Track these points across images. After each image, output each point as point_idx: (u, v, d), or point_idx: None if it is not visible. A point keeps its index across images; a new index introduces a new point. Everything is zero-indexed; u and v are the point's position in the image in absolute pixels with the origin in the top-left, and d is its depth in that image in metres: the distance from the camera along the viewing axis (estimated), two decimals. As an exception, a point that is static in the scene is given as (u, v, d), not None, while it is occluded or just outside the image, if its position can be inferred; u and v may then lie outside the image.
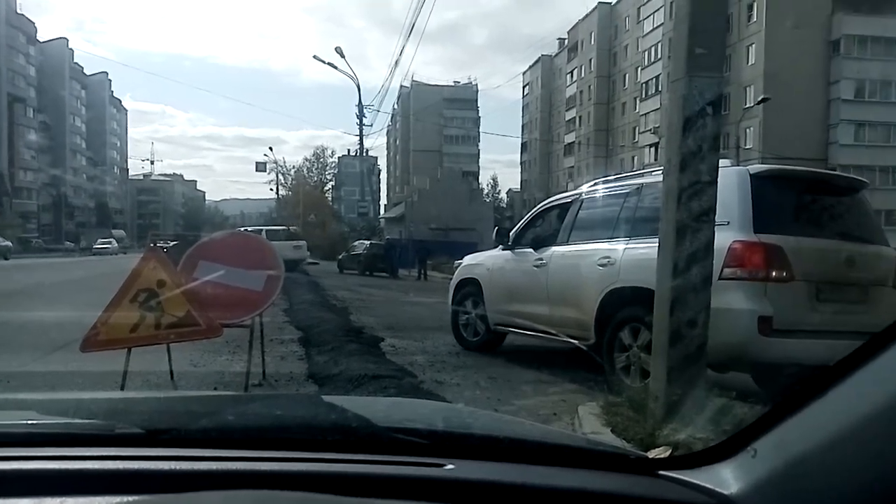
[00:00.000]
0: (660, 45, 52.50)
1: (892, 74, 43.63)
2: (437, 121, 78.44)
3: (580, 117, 68.63)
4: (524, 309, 6.29)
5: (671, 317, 3.36)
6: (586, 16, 66.99)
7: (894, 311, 4.49)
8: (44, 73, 76.59)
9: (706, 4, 3.47)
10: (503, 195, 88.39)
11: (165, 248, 6.97)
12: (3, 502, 0.77)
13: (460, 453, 0.96)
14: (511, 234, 7.08)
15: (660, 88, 51.83)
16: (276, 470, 0.88)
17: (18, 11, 72.01)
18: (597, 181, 6.42)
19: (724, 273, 4.23)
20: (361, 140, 36.26)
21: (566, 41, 73.11)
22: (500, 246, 7.12)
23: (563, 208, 6.42)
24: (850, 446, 0.71)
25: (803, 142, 40.23)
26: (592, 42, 65.85)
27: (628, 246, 5.14)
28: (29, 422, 1.04)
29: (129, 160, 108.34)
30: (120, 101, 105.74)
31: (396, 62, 39.80)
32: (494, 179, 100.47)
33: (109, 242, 57.21)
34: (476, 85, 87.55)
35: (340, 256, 33.31)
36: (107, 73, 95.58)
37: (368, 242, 31.58)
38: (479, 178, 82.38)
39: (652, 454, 1.21)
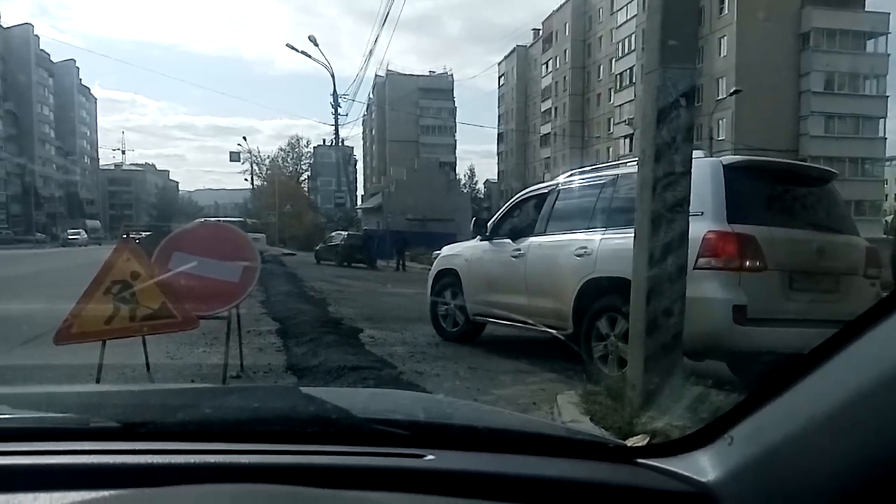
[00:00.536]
0: (633, 36, 52.75)
1: (860, 67, 44.44)
2: (412, 111, 78.12)
3: (556, 108, 68.83)
4: (503, 299, 6.32)
5: (647, 306, 3.39)
6: (560, 6, 67.06)
7: (866, 300, 4.59)
8: (8, 60, 74.81)
9: (681, -4, 3.49)
10: (480, 186, 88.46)
11: (138, 238, 6.86)
12: None
13: (440, 444, 0.96)
14: (489, 224, 7.09)
15: (634, 80, 52.17)
16: (255, 463, 0.87)
17: (-18, -3, 70.13)
18: (573, 172, 6.45)
19: (698, 263, 4.28)
20: (337, 130, 36.02)
21: (541, 32, 73.15)
22: (478, 237, 7.14)
23: (541, 199, 6.44)
24: (825, 433, 0.72)
25: (775, 133, 40.87)
26: (567, 33, 65.98)
27: (605, 236, 5.18)
28: (0, 416, 1.02)
29: (99, 150, 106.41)
30: (88, 90, 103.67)
31: (371, 51, 39.69)
32: (471, 170, 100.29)
33: (79, 233, 56.03)
34: (451, 75, 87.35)
35: (318, 247, 33.15)
36: (74, 61, 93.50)
37: (346, 233, 31.45)
38: (457, 168, 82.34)
39: (630, 442, 1.22)
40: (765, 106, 41.21)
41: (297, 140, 75.08)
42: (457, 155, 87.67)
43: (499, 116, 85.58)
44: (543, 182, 7.91)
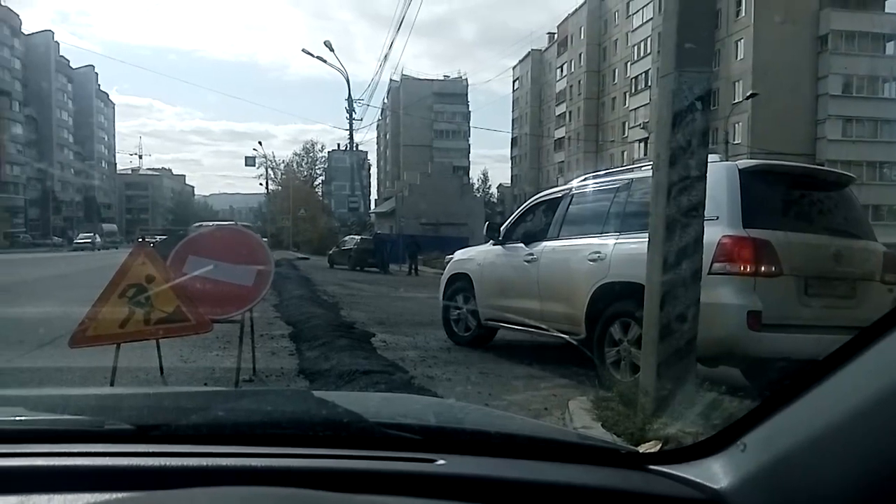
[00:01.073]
0: (649, 39, 52.60)
1: (878, 70, 43.97)
2: (426, 115, 78.24)
3: (570, 112, 68.69)
4: (515, 304, 6.30)
5: (661, 311, 3.37)
6: (576, 10, 67.00)
7: (882, 306, 4.53)
8: (29, 66, 75.82)
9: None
10: (493, 190, 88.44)
11: (154, 242, 6.92)
12: None
13: (452, 448, 0.96)
14: (502, 229, 7.08)
15: (649, 83, 51.98)
16: (267, 466, 0.88)
17: (2, 3, 71.20)
18: (587, 176, 6.43)
19: (713, 268, 4.25)
20: (351, 134, 36.19)
21: (556, 35, 73.10)
22: (491, 241, 7.13)
23: (554, 203, 6.42)
24: (839, 440, 0.71)
25: (791, 137, 40.53)
26: (582, 37, 65.88)
27: (618, 241, 5.15)
28: (17, 418, 1.03)
29: (116, 154, 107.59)
30: (107, 95, 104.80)
31: (386, 56, 39.79)
32: (485, 174, 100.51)
33: (91, 237, 54.70)
34: (466, 79, 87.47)
35: (331, 251, 33.27)
36: (93, 67, 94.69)
37: (359, 237, 31.54)
38: (470, 172, 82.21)
39: (642, 449, 1.21)
40: (782, 109, 40.88)
41: (312, 145, 75.53)
42: (470, 159, 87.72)
43: (513, 120, 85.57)
44: (557, 186, 7.90)
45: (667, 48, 3.56)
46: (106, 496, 0.77)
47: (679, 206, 3.37)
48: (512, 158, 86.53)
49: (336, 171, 76.15)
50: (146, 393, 1.80)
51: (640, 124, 54.66)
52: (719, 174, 4.40)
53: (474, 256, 7.49)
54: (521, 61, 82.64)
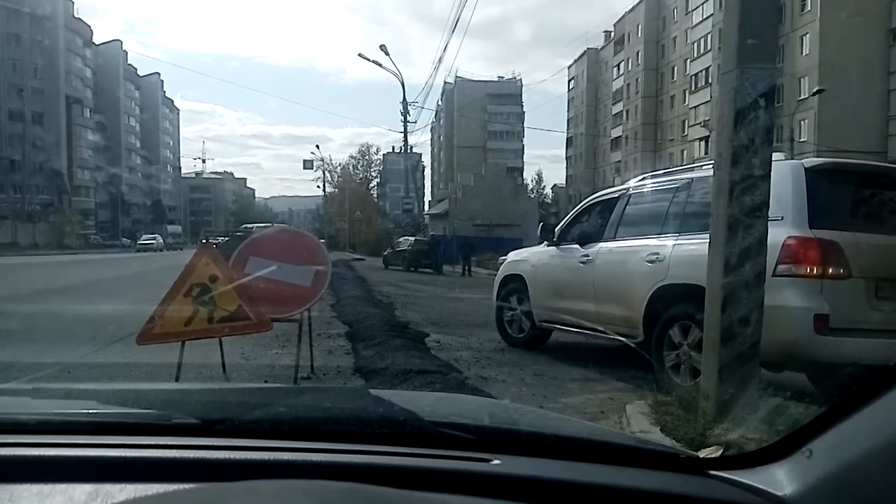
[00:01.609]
0: (709, 36, 51.27)
1: (958, 62, 41.66)
2: (481, 116, 78.23)
3: (627, 111, 67.55)
4: (570, 306, 6.24)
5: (723, 314, 3.28)
6: (633, 8, 65.81)
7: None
8: (99, 74, 79.29)
9: (759, -7, 3.37)
10: (548, 191, 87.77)
11: (216, 244, 7.14)
12: (66, 487, 0.80)
13: (506, 449, 0.96)
14: (556, 230, 7.02)
15: (710, 80, 50.68)
16: (326, 461, 0.90)
17: (75, 15, 74.61)
18: (645, 176, 6.31)
19: (778, 270, 4.11)
20: (406, 137, 36.42)
21: (612, 34, 72.01)
22: (546, 242, 7.07)
23: (610, 204, 6.33)
24: None
25: (861, 134, 38.71)
26: (640, 34, 64.70)
27: (678, 242, 5.04)
28: (90, 411, 1.07)
29: (181, 159, 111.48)
30: (172, 101, 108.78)
31: (440, 58, 40.03)
32: (539, 175, 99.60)
33: (154, 238, 55.60)
34: (520, 80, 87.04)
35: (385, 253, 33.65)
36: (159, 74, 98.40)
37: (413, 239, 31.78)
38: (524, 173, 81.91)
39: (703, 454, 1.19)
40: (850, 105, 39.15)
41: (367, 148, 76.57)
42: (524, 160, 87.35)
43: (568, 120, 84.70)
44: (613, 186, 7.78)
45: (728, 45, 3.46)
46: (174, 487, 0.80)
47: (742, 207, 3.28)
48: (567, 158, 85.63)
49: (391, 173, 76.95)
50: (211, 389, 1.85)
51: (700, 122, 53.32)
52: (784, 173, 4.26)
53: (528, 257, 7.44)
54: (576, 60, 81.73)
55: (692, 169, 5.84)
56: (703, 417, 3.20)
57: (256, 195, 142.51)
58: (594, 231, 6.42)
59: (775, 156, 3.59)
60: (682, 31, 58.47)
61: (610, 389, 5.05)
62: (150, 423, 1.02)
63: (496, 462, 0.91)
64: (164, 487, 0.80)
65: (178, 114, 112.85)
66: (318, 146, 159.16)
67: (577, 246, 6.41)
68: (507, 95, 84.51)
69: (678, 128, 59.59)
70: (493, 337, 7.59)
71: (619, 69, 69.67)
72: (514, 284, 7.41)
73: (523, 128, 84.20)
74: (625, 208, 6.01)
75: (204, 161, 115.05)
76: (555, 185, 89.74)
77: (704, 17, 52.57)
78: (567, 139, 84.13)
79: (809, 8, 42.20)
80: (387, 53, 32.92)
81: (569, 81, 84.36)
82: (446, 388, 4.42)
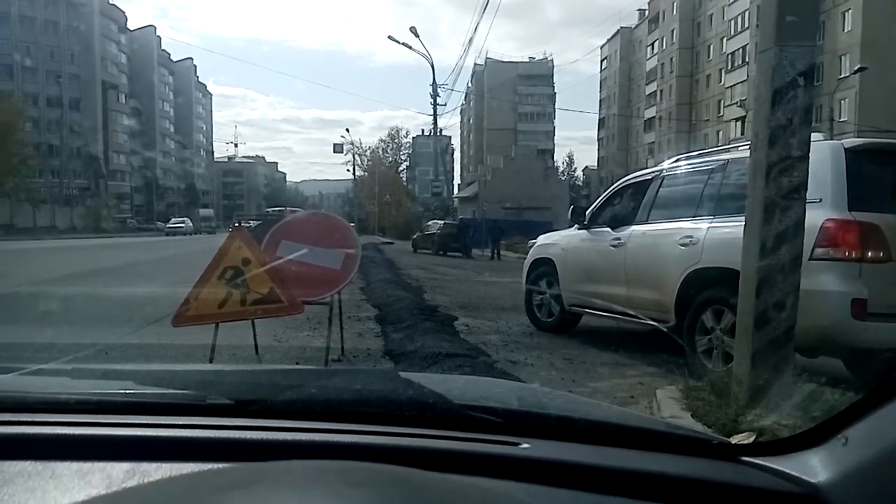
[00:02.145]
0: (747, 13, 49.99)
1: None
2: (511, 98, 77.64)
3: (661, 91, 66.40)
4: (601, 289, 6.19)
5: (757, 299, 3.23)
6: (668, -15, 64.45)
7: None
8: (134, 60, 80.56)
9: (799, -32, 3.27)
10: (579, 173, 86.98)
11: (249, 227, 7.23)
12: (104, 465, 0.82)
13: (536, 433, 0.96)
14: (587, 212, 6.95)
15: (747, 59, 49.52)
16: (357, 442, 0.91)
17: (110, 1, 75.66)
18: (679, 157, 6.20)
19: (815, 253, 4.03)
20: (435, 120, 36.35)
21: (647, 12, 70.67)
22: (576, 225, 7.01)
23: (643, 186, 6.24)
24: None
25: (905, 113, 37.54)
26: (675, 12, 63.38)
27: (712, 225, 4.96)
28: (127, 391, 1.10)
29: (213, 143, 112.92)
30: (205, 86, 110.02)
31: (470, 40, 39.69)
32: (570, 157, 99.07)
33: (183, 222, 54.98)
34: (551, 60, 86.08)
35: (415, 236, 33.73)
36: (192, 59, 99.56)
37: (442, 222, 31.79)
38: (554, 155, 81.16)
39: (735, 440, 1.17)
40: (893, 84, 37.90)
41: (397, 131, 76.78)
42: (555, 142, 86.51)
43: (600, 101, 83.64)
44: (646, 168, 7.66)
45: (766, 22, 3.37)
46: (208, 466, 0.82)
47: (779, 188, 3.20)
48: (599, 140, 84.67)
49: (420, 156, 76.88)
50: (244, 370, 1.88)
51: (736, 102, 52.21)
52: (823, 154, 4.15)
53: (558, 241, 7.39)
54: (609, 40, 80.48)
55: (728, 150, 5.73)
56: (735, 403, 3.16)
57: (287, 179, 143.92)
58: (626, 214, 6.34)
59: (814, 136, 3.50)
60: (718, 9, 57.14)
61: (640, 374, 5.02)
62: (186, 403, 1.04)
63: (525, 446, 0.91)
64: (199, 466, 0.81)
65: (211, 98, 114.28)
66: (347, 130, 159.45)
67: (608, 229, 6.35)
68: (537, 76, 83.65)
69: (713, 108, 58.44)
70: (521, 321, 7.58)
71: (653, 48, 68.42)
72: (544, 268, 7.37)
73: (554, 109, 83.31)
74: (658, 191, 5.92)
75: (236, 145, 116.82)
76: (586, 167, 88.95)
77: (741, -7, 51.24)
78: (599, 120, 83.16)
79: (852, -17, 40.88)
80: (417, 35, 32.84)
81: (601, 61, 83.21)
82: (475, 372, 4.43)
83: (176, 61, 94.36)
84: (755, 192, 3.32)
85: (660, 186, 5.94)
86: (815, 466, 0.84)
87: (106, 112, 71.80)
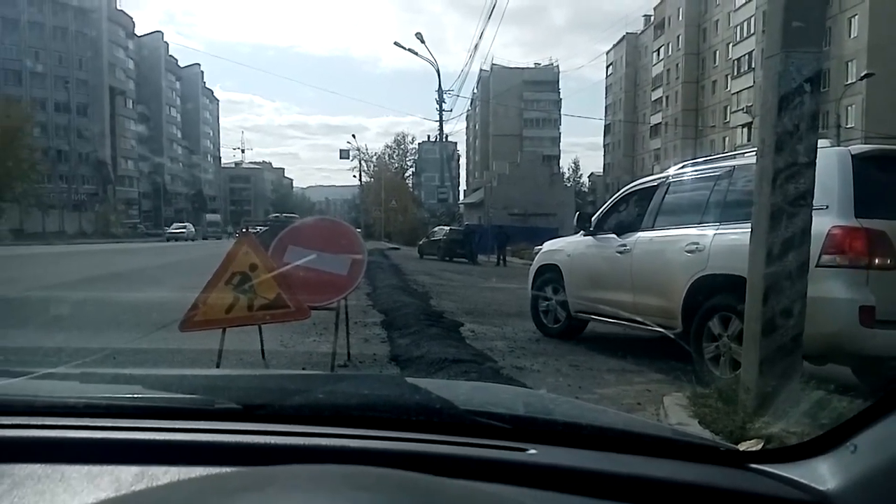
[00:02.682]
0: (753, 19, 49.97)
1: None
2: (517, 104, 77.72)
3: (667, 97, 66.34)
4: (607, 296, 6.18)
5: (764, 306, 3.22)
6: (674, -9, 64.47)
7: None
8: (142, 65, 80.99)
9: (805, -25, 3.27)
10: (585, 179, 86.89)
11: (256, 232, 7.25)
12: (113, 469, 0.83)
13: (542, 439, 0.96)
14: (593, 219, 6.94)
15: (753, 65, 49.47)
16: (364, 447, 0.91)
17: (118, 7, 76.20)
18: (685, 164, 6.19)
19: (822, 260, 4.02)
20: (441, 126, 36.42)
21: (652, 18, 70.70)
22: (582, 231, 7.01)
23: (649, 192, 6.23)
24: None
25: (913, 119, 37.37)
26: (680, 18, 63.38)
27: (718, 231, 4.95)
28: (136, 395, 1.11)
29: (220, 149, 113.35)
30: (212, 92, 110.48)
31: (476, 46, 39.76)
32: (576, 163, 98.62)
33: (185, 227, 53.23)
34: (557, 66, 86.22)
35: (421, 242, 33.75)
36: (199, 65, 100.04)
37: (448, 228, 31.80)
38: (560, 161, 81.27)
39: (743, 447, 1.17)
40: (901, 90, 37.80)
41: (403, 137, 76.94)
42: (561, 148, 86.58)
43: (606, 107, 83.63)
44: (652, 174, 7.65)
45: (773, 28, 3.37)
46: (216, 470, 0.82)
47: (785, 195, 3.20)
48: (605, 146, 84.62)
49: (426, 162, 77.04)
50: (251, 375, 1.89)
51: (742, 108, 52.11)
52: (830, 160, 4.14)
53: (564, 247, 7.39)
54: (615, 45, 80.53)
55: (734, 156, 5.72)
56: (743, 410, 3.14)
57: (294, 185, 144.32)
58: (632, 220, 6.33)
59: (821, 142, 3.49)
60: (724, 14, 57.12)
61: (647, 381, 5.00)
62: (194, 407, 1.04)
63: (532, 452, 0.91)
64: (207, 470, 0.82)
65: (218, 104, 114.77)
66: (354, 136, 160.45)
67: (614, 235, 6.34)
68: (543, 82, 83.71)
69: (720, 114, 58.34)
70: (528, 327, 7.57)
71: (658, 54, 68.40)
72: (550, 274, 7.37)
73: (560, 115, 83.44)
74: (664, 197, 5.92)
75: (243, 151, 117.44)
76: (592, 173, 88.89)
77: (747, -1, 51.23)
78: (605, 126, 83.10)
79: (859, -11, 40.81)
80: (422, 41, 32.97)
81: (607, 67, 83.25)
82: (481, 378, 4.42)
83: (183, 67, 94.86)
84: (762, 198, 3.31)
85: (666, 193, 5.93)
86: (823, 474, 0.84)
87: (114, 117, 72.19)
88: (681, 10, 63.31)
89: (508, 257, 27.67)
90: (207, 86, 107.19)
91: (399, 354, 5.57)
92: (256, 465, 0.81)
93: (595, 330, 7.11)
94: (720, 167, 5.46)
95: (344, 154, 59.81)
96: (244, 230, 5.35)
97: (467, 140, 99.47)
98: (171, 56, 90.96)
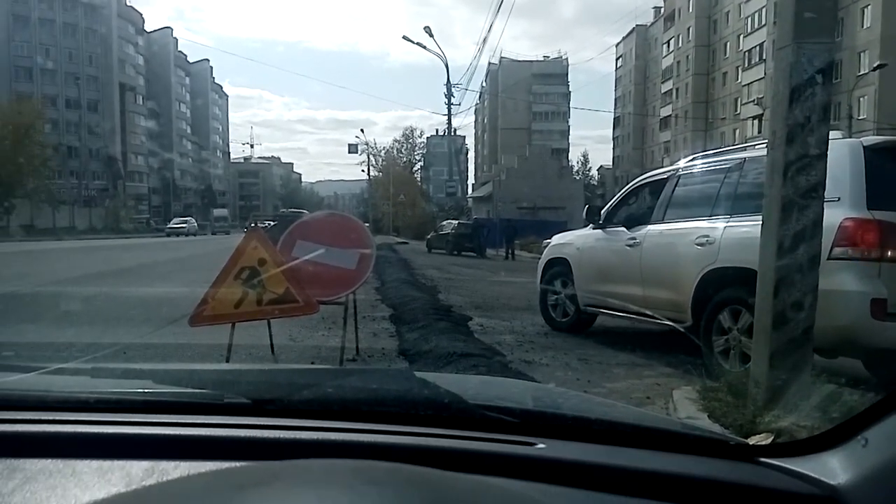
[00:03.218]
0: (764, 10, 49.53)
1: None
2: (525, 97, 77.50)
3: (677, 89, 65.92)
4: (616, 289, 6.16)
5: (775, 299, 3.20)
6: (684, -17, 63.96)
7: None
8: (151, 62, 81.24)
9: (817, -35, 3.23)
10: (594, 172, 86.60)
11: (265, 227, 7.27)
12: (124, 464, 0.83)
13: (551, 433, 0.96)
14: (602, 212, 6.92)
15: (764, 57, 49.07)
16: (372, 441, 0.91)
17: (127, 3, 76.42)
18: (695, 156, 6.16)
19: (833, 252, 3.99)
20: (449, 119, 36.37)
21: (662, 10, 70.24)
22: (591, 225, 6.99)
23: (659, 185, 6.20)
24: None
25: (926, 110, 36.99)
26: (691, 9, 62.91)
27: (729, 224, 4.92)
28: (145, 390, 1.11)
29: (230, 144, 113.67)
30: (221, 87, 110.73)
31: (484, 39, 39.62)
32: (585, 156, 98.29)
33: (186, 222, 51.64)
34: (566, 59, 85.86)
35: (429, 236, 33.75)
36: (208, 61, 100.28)
37: (456, 222, 31.78)
38: (569, 155, 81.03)
39: (752, 441, 1.16)
40: (914, 81, 37.39)
41: (411, 131, 76.88)
42: (570, 141, 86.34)
43: (615, 100, 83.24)
44: (662, 167, 7.61)
45: (784, 19, 3.33)
46: (226, 465, 0.82)
47: (796, 187, 3.17)
48: (614, 139, 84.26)
49: (434, 156, 77.00)
50: (260, 369, 1.90)
51: (753, 100, 51.72)
52: (841, 152, 4.11)
53: (573, 240, 7.37)
54: (624, 38, 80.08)
55: (744, 148, 5.68)
56: (752, 404, 3.13)
57: (303, 179, 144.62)
58: (642, 213, 6.31)
59: (832, 134, 3.45)
60: (735, 6, 56.65)
61: (657, 375, 4.99)
62: (203, 402, 1.05)
63: (541, 446, 0.91)
64: (217, 465, 0.82)
65: (227, 100, 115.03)
66: (362, 130, 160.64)
67: (623, 229, 6.32)
68: (552, 75, 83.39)
69: (730, 106, 57.95)
70: (536, 321, 7.56)
71: (668, 46, 67.94)
72: (559, 268, 7.35)
73: (569, 108, 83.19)
74: (674, 190, 5.89)
75: (252, 146, 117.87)
76: (601, 166, 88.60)
77: (758, -10, 50.77)
78: (614, 119, 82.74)
79: (871, -22, 40.36)
80: (431, 35, 32.96)
81: (616, 60, 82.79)
82: (490, 372, 4.43)
83: (192, 63, 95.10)
84: (772, 190, 3.29)
85: (676, 185, 5.90)
86: (833, 468, 0.83)
87: (124, 113, 72.54)
88: (691, 1, 62.84)
89: (517, 251, 27.61)
90: (217, 81, 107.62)
91: (408, 349, 5.58)
92: (266, 460, 0.81)
93: (604, 324, 7.09)
94: (730, 159, 5.42)
95: (352, 148, 59.88)
96: (253, 225, 5.36)
97: (476, 133, 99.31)
98: (180, 52, 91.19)
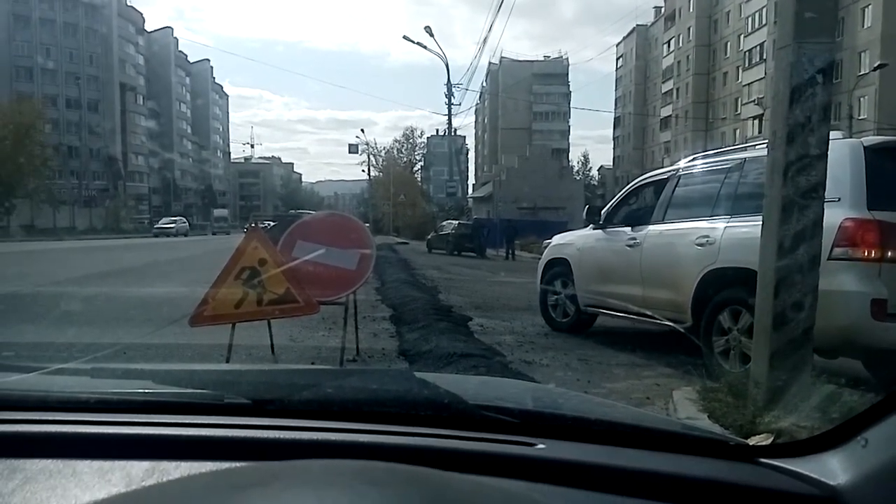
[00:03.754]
0: (765, 10, 49.53)
1: None
2: (526, 97, 77.51)
3: (678, 89, 65.91)
4: (616, 290, 6.16)
5: (775, 299, 3.20)
6: (684, -17, 63.96)
7: None
8: (152, 61, 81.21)
9: (817, -35, 3.23)
10: (594, 172, 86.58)
11: (265, 227, 7.28)
12: (124, 464, 0.83)
13: (551, 433, 0.96)
14: (603, 212, 6.92)
15: (764, 56, 49.08)
16: (372, 442, 0.91)
17: (127, 3, 76.42)
18: (695, 156, 6.16)
19: (834, 253, 3.99)
20: (450, 119, 36.36)
21: (663, 9, 70.24)
22: (591, 225, 6.99)
23: (659, 185, 6.20)
24: None
25: (927, 110, 36.97)
26: (691, 9, 62.91)
27: (729, 224, 4.92)
28: (146, 390, 1.11)
29: (230, 144, 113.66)
30: (221, 87, 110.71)
31: (485, 39, 39.65)
32: (585, 156, 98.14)
33: (174, 222, 49.39)
34: (566, 59, 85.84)
35: (429, 236, 33.75)
36: (209, 61, 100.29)
37: (457, 222, 31.78)
38: (570, 155, 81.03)
39: (752, 441, 1.16)
40: (914, 81, 37.38)
41: (412, 131, 76.91)
42: (570, 141, 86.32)
43: (616, 100, 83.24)
44: (662, 167, 7.61)
45: (785, 18, 3.33)
46: (226, 465, 0.82)
47: (797, 187, 3.17)
48: (614, 139, 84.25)
49: (435, 156, 77.01)
50: (261, 370, 1.90)
51: (753, 100, 51.72)
52: (842, 152, 4.10)
53: (573, 241, 7.37)
54: (625, 38, 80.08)
55: (745, 148, 5.68)
56: (752, 404, 3.13)
57: (303, 179, 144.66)
58: (642, 213, 6.31)
59: (833, 134, 3.46)
60: (735, 6, 56.66)
61: (656, 375, 4.99)
62: (204, 402, 1.05)
63: (540, 446, 0.91)
64: (217, 465, 0.82)
65: (227, 99, 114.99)
66: (362, 130, 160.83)
67: (623, 229, 6.32)
68: (552, 75, 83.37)
69: (731, 106, 57.95)
70: (536, 321, 7.56)
71: (669, 46, 67.94)
72: (559, 268, 7.35)
73: (569, 108, 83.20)
74: (674, 190, 5.89)
75: (252, 146, 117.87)
76: (601, 166, 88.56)
77: (759, -10, 50.78)
78: (615, 119, 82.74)
79: (872, -22, 40.35)
80: (431, 35, 32.96)
81: (617, 59, 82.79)
82: (490, 372, 4.43)
83: (193, 63, 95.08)
84: (773, 191, 3.29)
85: (676, 186, 5.90)
86: (833, 468, 0.83)
87: (124, 113, 72.54)
88: (691, 1, 62.86)
89: (517, 251, 27.60)
90: (217, 81, 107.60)
91: (408, 349, 5.58)
92: (266, 460, 0.81)
93: (604, 324, 7.09)
94: (731, 159, 5.42)
95: (353, 148, 59.81)
96: (253, 225, 5.36)
97: (476, 133, 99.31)
98: (180, 52, 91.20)
